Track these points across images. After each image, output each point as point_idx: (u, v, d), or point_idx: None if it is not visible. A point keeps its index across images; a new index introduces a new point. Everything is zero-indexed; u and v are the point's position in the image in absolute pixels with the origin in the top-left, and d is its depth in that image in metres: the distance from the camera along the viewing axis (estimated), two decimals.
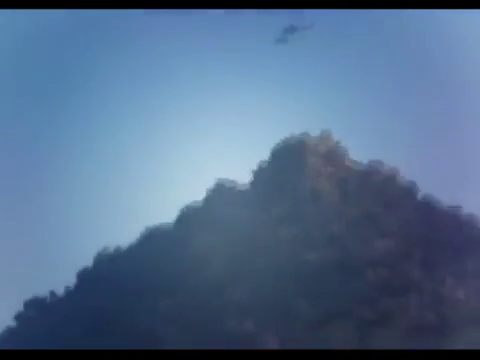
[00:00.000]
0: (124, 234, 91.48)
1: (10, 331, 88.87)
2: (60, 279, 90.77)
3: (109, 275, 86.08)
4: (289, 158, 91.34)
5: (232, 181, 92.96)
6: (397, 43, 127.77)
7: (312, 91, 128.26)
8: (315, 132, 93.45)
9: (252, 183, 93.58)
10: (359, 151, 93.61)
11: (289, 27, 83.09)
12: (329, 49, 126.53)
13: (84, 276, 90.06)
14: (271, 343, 70.56)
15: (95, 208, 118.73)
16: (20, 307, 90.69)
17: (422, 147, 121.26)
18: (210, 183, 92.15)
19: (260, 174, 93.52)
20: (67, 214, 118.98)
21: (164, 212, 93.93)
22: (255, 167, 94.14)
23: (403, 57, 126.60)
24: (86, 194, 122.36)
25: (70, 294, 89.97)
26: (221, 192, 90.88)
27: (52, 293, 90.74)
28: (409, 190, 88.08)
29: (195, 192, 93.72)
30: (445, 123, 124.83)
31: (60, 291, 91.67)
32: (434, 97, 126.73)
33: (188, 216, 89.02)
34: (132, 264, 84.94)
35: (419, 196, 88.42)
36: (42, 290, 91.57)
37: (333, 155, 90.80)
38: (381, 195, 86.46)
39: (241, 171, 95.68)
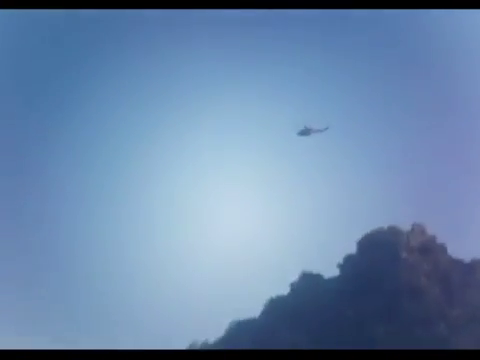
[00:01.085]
0: None
1: None
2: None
3: None
4: (379, 252, 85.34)
5: (317, 274, 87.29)
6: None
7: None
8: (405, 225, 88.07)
9: (339, 277, 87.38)
10: None
11: (304, 130, 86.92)
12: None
13: None
14: None
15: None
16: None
17: None
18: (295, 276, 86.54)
19: (347, 268, 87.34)
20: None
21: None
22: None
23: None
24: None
25: None
26: (307, 285, 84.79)
27: None
28: None
29: None
30: None
31: None
32: None
33: (275, 309, 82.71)
34: None
35: None
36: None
37: (429, 250, 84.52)
38: None
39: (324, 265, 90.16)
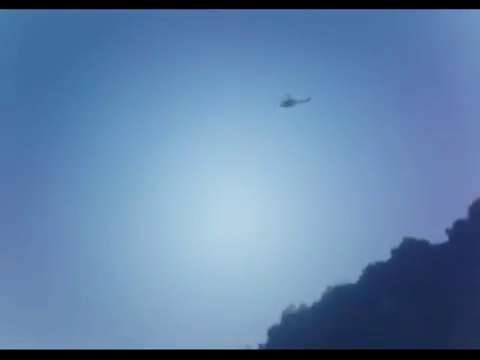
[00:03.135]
0: None
1: None
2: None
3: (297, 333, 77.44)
4: None
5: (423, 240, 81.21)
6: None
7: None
8: None
9: (447, 243, 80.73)
10: None
11: (288, 100, 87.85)
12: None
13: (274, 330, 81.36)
14: None
15: None
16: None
17: None
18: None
19: (456, 233, 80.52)
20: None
21: None
22: None
23: None
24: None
25: None
26: (412, 250, 78.97)
27: None
28: None
29: None
30: None
31: None
32: None
33: (377, 275, 77.66)
34: (318, 322, 75.52)
35: None
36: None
37: None
38: None
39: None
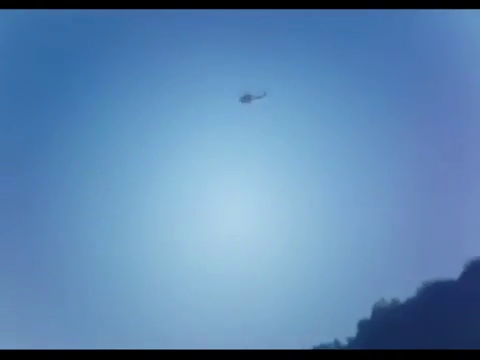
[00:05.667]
0: None
1: None
2: None
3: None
4: None
5: None
6: None
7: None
8: None
9: None
10: None
11: (245, 96, 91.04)
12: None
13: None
14: None
15: None
16: None
17: None
18: None
19: None
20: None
21: None
22: None
23: None
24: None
25: None
26: None
27: None
28: None
29: None
30: None
31: None
32: None
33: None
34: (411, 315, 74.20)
35: None
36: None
37: None
38: None
39: None
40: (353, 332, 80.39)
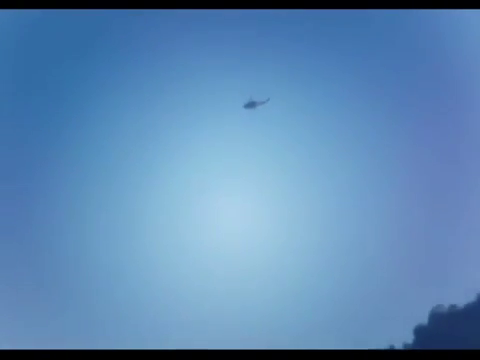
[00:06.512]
0: None
1: None
2: None
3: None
4: None
5: None
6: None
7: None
8: None
9: None
10: None
11: (249, 103, 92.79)
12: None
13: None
14: None
15: None
16: None
17: None
18: None
19: None
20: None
21: None
22: None
23: None
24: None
25: None
26: None
27: None
28: None
29: None
30: None
31: None
32: None
33: None
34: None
35: None
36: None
37: None
38: None
39: None
40: (355, 331, 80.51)
